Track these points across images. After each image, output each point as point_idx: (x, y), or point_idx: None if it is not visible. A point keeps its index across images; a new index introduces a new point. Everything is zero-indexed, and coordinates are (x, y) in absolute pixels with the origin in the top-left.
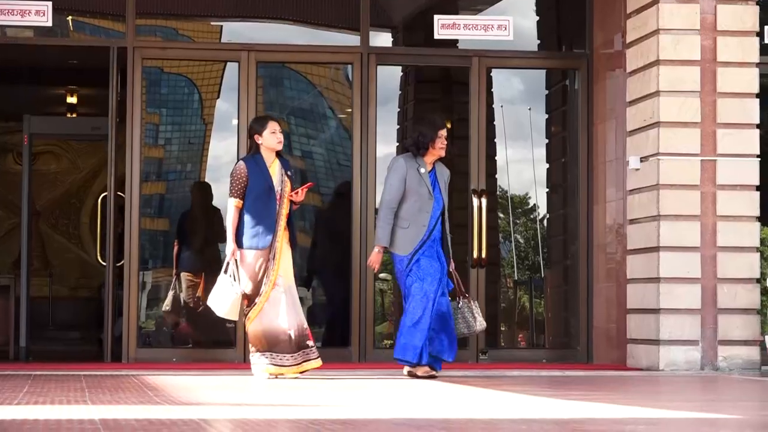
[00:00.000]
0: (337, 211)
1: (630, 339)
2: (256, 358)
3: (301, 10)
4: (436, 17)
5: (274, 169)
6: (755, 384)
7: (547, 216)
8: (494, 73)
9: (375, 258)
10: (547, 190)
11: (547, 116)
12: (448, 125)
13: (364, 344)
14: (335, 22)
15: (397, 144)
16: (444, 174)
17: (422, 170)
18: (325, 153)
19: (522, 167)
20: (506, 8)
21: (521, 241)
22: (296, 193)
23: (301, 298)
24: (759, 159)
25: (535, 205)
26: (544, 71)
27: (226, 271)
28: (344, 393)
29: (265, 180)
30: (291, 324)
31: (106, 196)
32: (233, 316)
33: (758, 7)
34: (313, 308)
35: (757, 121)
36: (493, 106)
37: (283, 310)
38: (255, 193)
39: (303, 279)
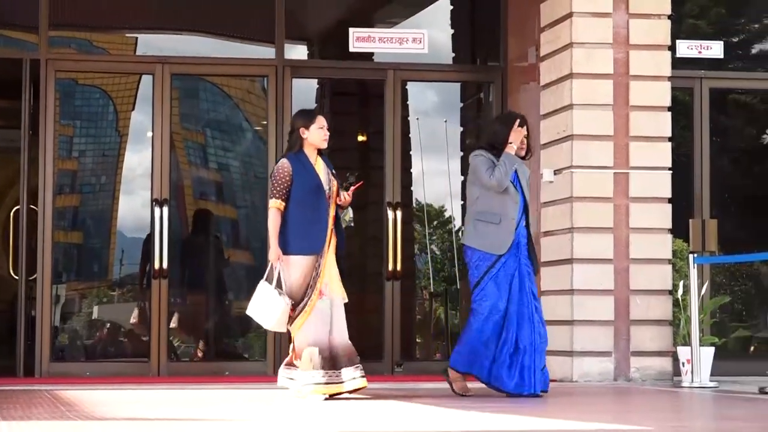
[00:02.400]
0: (253, 223)
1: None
2: (305, 377)
3: (216, 22)
4: (351, 30)
5: (320, 167)
6: (667, 395)
7: (462, 228)
8: (409, 85)
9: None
10: (462, 202)
11: (461, 129)
12: (363, 138)
13: (279, 357)
14: (250, 34)
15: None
16: (525, 174)
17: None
18: (242, 165)
19: (437, 179)
20: (421, 21)
21: (437, 252)
22: (347, 195)
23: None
24: (671, 172)
25: (450, 216)
26: (459, 84)
27: (268, 279)
28: (258, 407)
29: (313, 179)
30: (337, 339)
31: (18, 209)
32: (281, 328)
33: (670, 21)
34: (229, 321)
35: (669, 134)
36: (409, 118)
37: (325, 323)
38: (302, 193)
39: (221, 292)
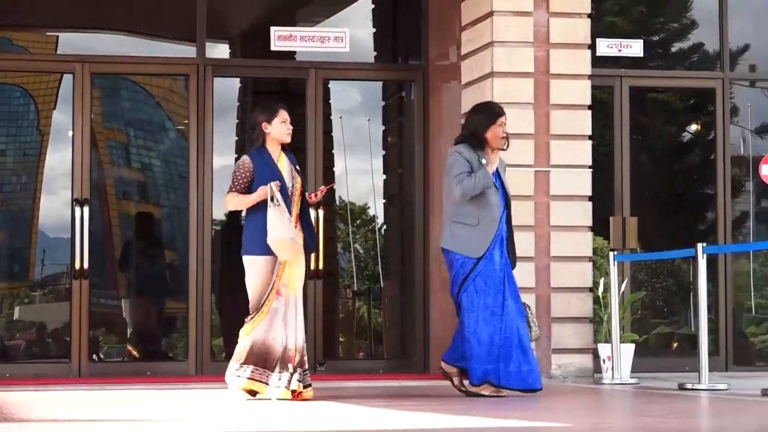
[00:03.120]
0: (176, 223)
1: None
2: (233, 371)
3: (137, 21)
4: (272, 29)
5: (283, 163)
6: (588, 392)
7: (385, 226)
8: (332, 84)
9: (493, 161)
10: (384, 201)
11: (384, 127)
12: None
13: (201, 357)
14: (172, 33)
15: (235, 155)
16: (502, 165)
17: (483, 161)
18: (164, 165)
19: (360, 178)
20: (343, 20)
21: (361, 251)
22: (315, 195)
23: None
24: (591, 170)
25: (374, 215)
26: (380, 83)
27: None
28: (179, 407)
29: (274, 175)
30: (286, 340)
31: None
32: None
33: (590, 20)
34: (153, 321)
35: (590, 133)
36: (331, 117)
37: (279, 323)
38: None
39: (141, 291)
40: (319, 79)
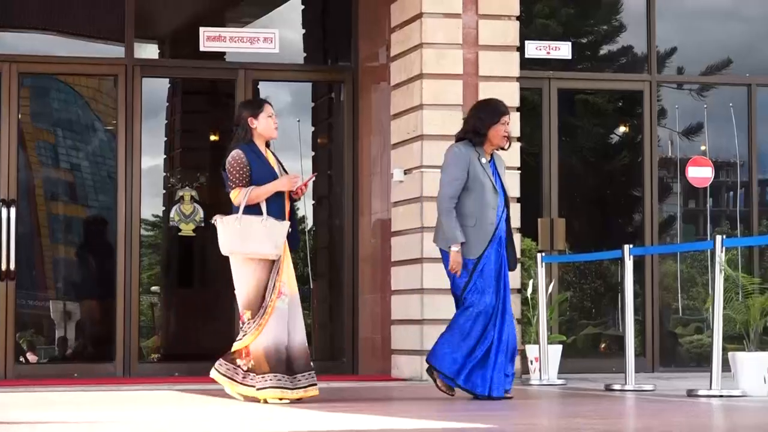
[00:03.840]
0: (102, 225)
1: (394, 350)
2: (258, 381)
3: (65, 20)
4: (201, 29)
5: (272, 160)
6: (515, 393)
7: (314, 228)
8: (262, 85)
9: (457, 260)
10: (314, 202)
11: (313, 128)
12: (215, 137)
13: (129, 359)
14: (100, 33)
15: (165, 156)
16: (502, 164)
17: (483, 160)
18: (93, 165)
19: None
20: (273, 21)
21: (290, 253)
22: (301, 189)
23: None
24: (519, 171)
25: (303, 216)
26: (310, 84)
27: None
28: (106, 408)
29: (269, 171)
30: (295, 341)
31: None
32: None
33: (518, 22)
34: (81, 322)
35: (518, 135)
36: None
37: (284, 324)
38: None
39: (69, 293)
40: (248, 80)
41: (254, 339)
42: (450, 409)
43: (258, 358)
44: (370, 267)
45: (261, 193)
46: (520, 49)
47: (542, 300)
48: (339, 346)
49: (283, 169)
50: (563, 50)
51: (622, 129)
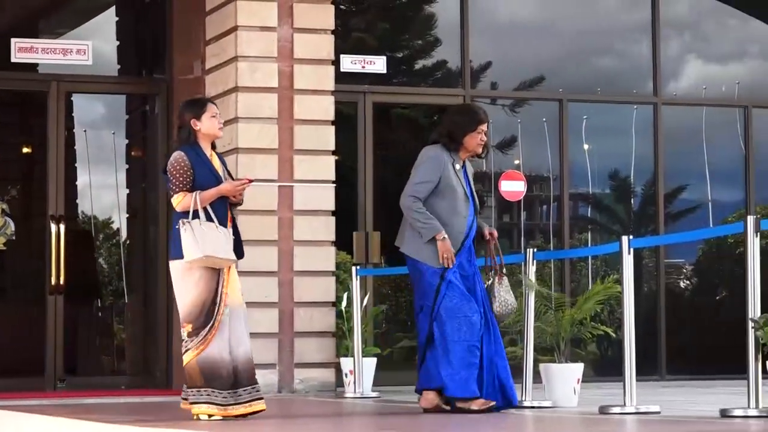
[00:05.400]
0: None
1: None
2: (192, 396)
3: None
4: (13, 40)
5: (216, 162)
6: (330, 405)
7: (129, 241)
8: (75, 97)
9: (446, 247)
10: (128, 215)
11: (127, 141)
12: (27, 150)
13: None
14: None
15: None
16: (470, 172)
17: (457, 166)
18: None
19: (104, 192)
20: (87, 33)
21: (105, 266)
22: (240, 193)
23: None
24: (335, 185)
25: (118, 229)
26: (124, 96)
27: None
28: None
29: (213, 175)
30: (238, 353)
31: None
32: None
33: (333, 36)
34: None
35: (333, 148)
36: (74, 130)
37: (226, 335)
38: (201, 190)
39: None
40: (61, 92)
41: (198, 355)
42: (263, 423)
43: (191, 372)
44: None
45: (206, 197)
46: (336, 62)
47: (357, 313)
48: (152, 360)
49: (227, 171)
50: (378, 64)
51: None
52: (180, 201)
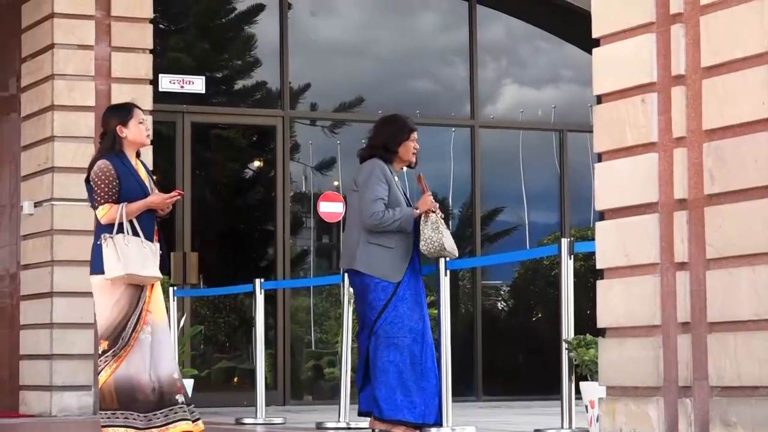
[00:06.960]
0: None
1: (23, 385)
2: (106, 419)
3: None
4: None
5: (141, 172)
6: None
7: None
8: None
9: (424, 200)
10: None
11: None
12: None
13: None
14: None
15: None
16: (404, 185)
17: (396, 178)
18: None
19: None
20: None
21: None
22: (168, 206)
23: None
24: None
25: None
26: None
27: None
28: None
29: (140, 185)
30: (158, 373)
31: None
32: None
33: (151, 55)
34: None
35: (151, 168)
36: None
37: (147, 355)
38: (127, 202)
39: None
40: None
41: (112, 373)
42: None
43: (107, 393)
44: None
45: (132, 210)
46: (154, 82)
47: (173, 334)
48: None
49: (153, 181)
50: (197, 84)
51: (256, 164)
52: (105, 213)
